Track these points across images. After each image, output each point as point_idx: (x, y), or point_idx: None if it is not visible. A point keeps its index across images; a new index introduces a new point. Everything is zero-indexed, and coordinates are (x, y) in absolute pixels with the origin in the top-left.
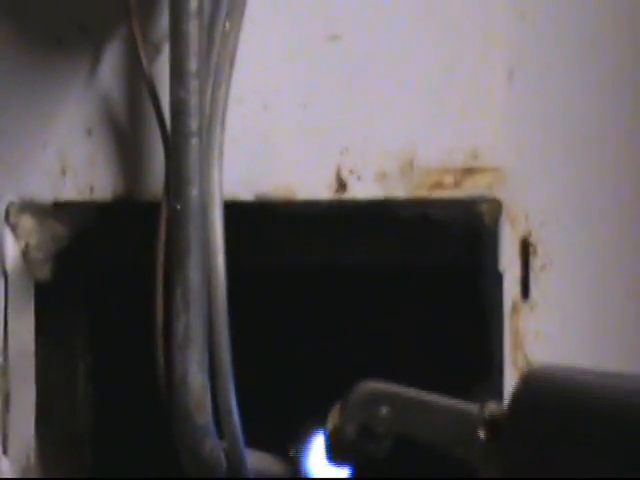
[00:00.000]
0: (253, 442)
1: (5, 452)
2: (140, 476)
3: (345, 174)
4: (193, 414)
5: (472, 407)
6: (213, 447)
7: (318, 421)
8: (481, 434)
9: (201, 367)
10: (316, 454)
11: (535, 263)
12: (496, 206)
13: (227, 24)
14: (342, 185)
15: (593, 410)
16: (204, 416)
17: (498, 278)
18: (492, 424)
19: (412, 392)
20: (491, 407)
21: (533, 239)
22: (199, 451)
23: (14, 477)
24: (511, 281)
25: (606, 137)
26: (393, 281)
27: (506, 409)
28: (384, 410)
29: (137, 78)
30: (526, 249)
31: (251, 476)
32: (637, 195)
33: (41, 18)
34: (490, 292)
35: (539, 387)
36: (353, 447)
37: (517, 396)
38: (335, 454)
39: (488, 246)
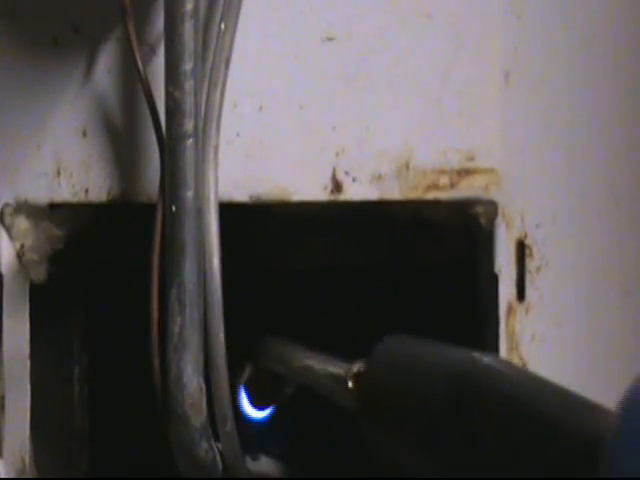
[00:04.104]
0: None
1: (0, 454)
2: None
3: (341, 176)
4: (189, 416)
5: (344, 365)
6: (209, 449)
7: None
8: (350, 387)
9: (196, 369)
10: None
11: (531, 265)
12: (492, 208)
13: (222, 25)
14: (337, 187)
15: (427, 373)
16: (200, 418)
17: (493, 280)
18: (356, 377)
19: (303, 353)
20: (358, 364)
21: (529, 241)
22: (195, 453)
23: (9, 478)
24: (507, 283)
25: (603, 139)
26: (388, 282)
27: (365, 366)
28: (280, 368)
29: (132, 79)
30: (522, 251)
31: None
32: (634, 197)
33: (36, 19)
34: (485, 294)
35: (392, 347)
36: (262, 395)
37: (373, 354)
38: (253, 401)
39: (483, 248)
